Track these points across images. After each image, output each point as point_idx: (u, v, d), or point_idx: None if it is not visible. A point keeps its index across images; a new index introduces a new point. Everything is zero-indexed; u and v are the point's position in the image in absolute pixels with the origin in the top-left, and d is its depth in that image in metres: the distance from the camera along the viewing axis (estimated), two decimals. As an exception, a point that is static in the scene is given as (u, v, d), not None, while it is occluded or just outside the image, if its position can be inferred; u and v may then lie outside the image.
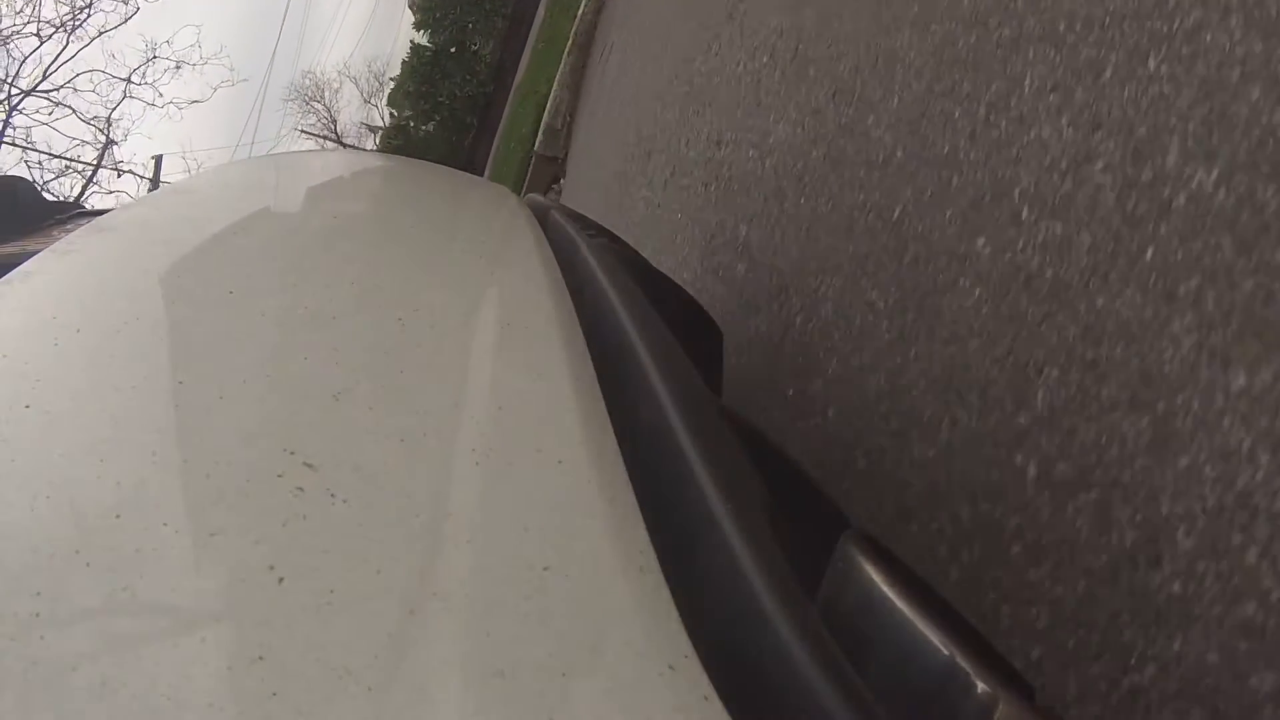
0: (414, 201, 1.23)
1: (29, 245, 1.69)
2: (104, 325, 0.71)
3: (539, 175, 6.63)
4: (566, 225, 1.16)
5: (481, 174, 9.92)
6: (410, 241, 1.01)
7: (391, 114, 12.18)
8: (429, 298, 0.82)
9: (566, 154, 6.17)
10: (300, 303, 0.76)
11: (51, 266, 0.83)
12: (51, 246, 0.88)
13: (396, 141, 11.49)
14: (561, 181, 6.16)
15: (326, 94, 26.22)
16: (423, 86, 10.75)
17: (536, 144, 6.59)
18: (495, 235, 1.12)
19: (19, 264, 0.84)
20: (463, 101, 10.74)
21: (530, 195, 1.65)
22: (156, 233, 0.90)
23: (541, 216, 1.24)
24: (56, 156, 16.06)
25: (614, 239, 1.32)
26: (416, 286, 0.84)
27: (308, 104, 25.82)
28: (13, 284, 0.79)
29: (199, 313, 0.74)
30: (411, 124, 11.36)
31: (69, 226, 1.89)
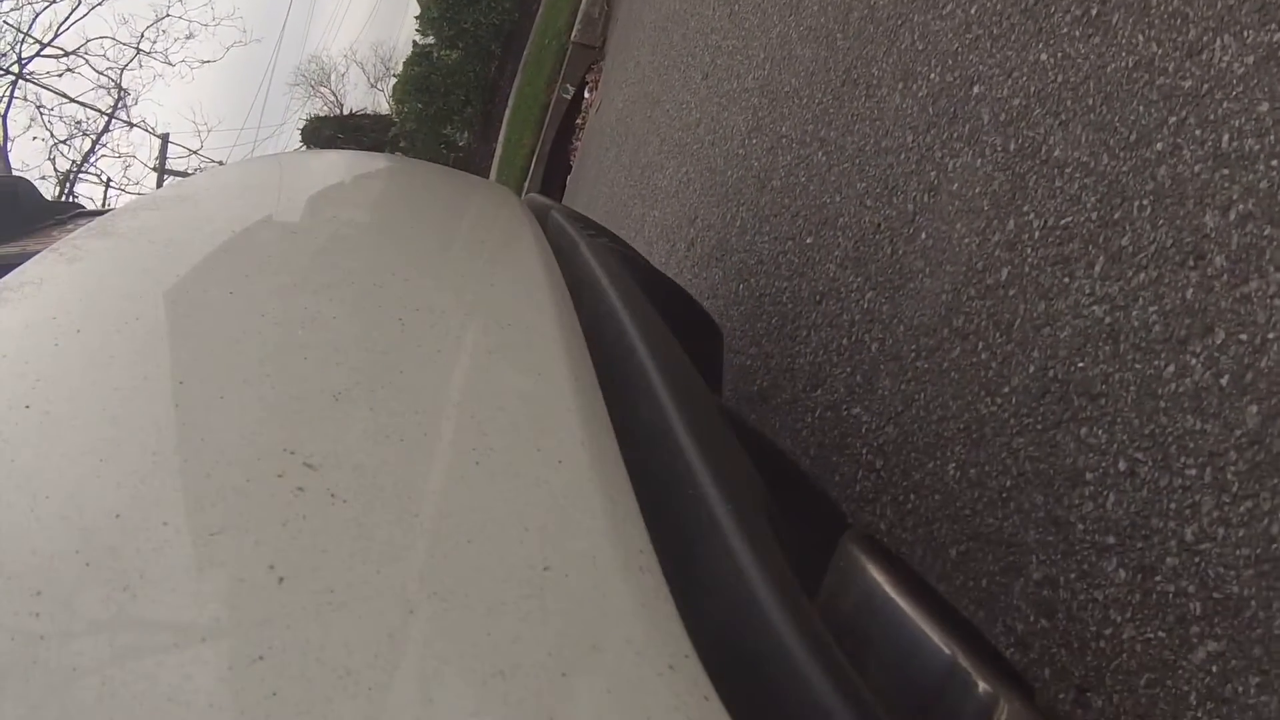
0: (414, 202, 1.23)
1: (29, 245, 1.69)
2: (104, 325, 0.71)
3: (576, 63, 6.84)
4: (566, 225, 1.16)
5: (508, 93, 9.84)
6: (410, 241, 1.01)
7: (414, 41, 11.92)
8: (429, 298, 0.82)
9: (605, 41, 6.41)
10: (300, 303, 0.76)
11: (52, 267, 0.83)
12: (52, 247, 0.88)
13: (418, 69, 11.29)
14: (601, 64, 6.38)
15: (333, 78, 26.24)
16: (447, 12, 10.60)
17: (574, 33, 6.70)
18: (495, 235, 1.12)
19: (19, 264, 0.84)
20: (487, 29, 10.58)
21: (530, 195, 1.65)
22: (157, 233, 0.90)
23: (541, 216, 1.24)
24: (72, 100, 16.23)
25: (614, 239, 1.32)
26: (416, 287, 0.84)
27: (314, 89, 25.86)
28: (13, 284, 0.79)
29: (199, 313, 0.74)
30: (435, 51, 11.16)
31: (69, 226, 1.89)
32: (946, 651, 0.58)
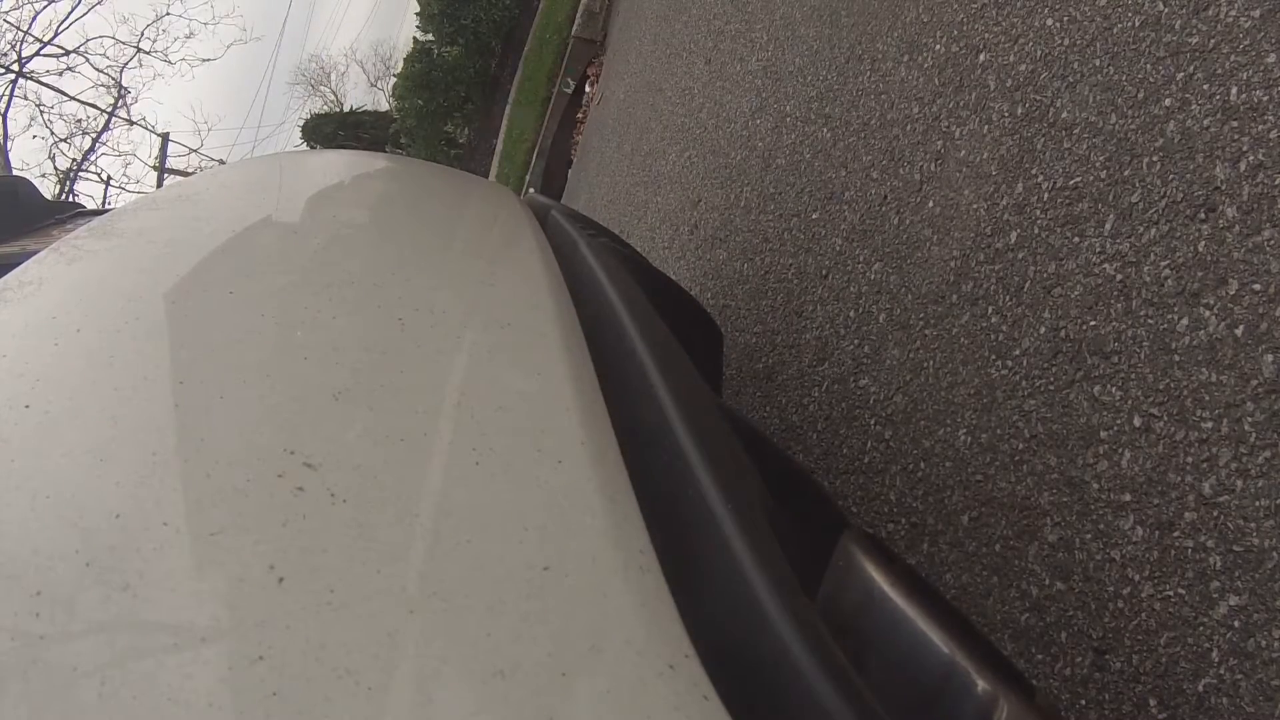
0: (414, 201, 1.23)
1: (29, 245, 1.69)
2: (104, 325, 0.71)
3: (577, 57, 6.94)
4: (566, 225, 1.16)
5: (509, 89, 9.86)
6: (410, 241, 1.01)
7: (414, 38, 11.92)
8: (429, 298, 0.82)
9: (605, 35, 6.55)
10: (300, 303, 0.76)
11: (52, 266, 0.83)
12: (52, 246, 0.88)
13: (419, 65, 11.27)
14: (602, 59, 6.51)
15: (333, 77, 26.39)
16: (447, 8, 10.56)
17: (574, 28, 6.78)
18: (495, 235, 1.12)
19: (19, 264, 0.84)
20: (488, 25, 10.54)
21: (530, 195, 1.65)
22: (157, 233, 0.90)
23: (541, 216, 1.24)
24: (72, 99, 16.41)
25: (614, 239, 1.32)
26: (417, 287, 0.84)
27: (314, 88, 26.02)
28: (13, 284, 0.80)
29: (199, 313, 0.74)
30: (435, 48, 11.14)
31: (69, 226, 1.89)
32: (946, 651, 0.58)
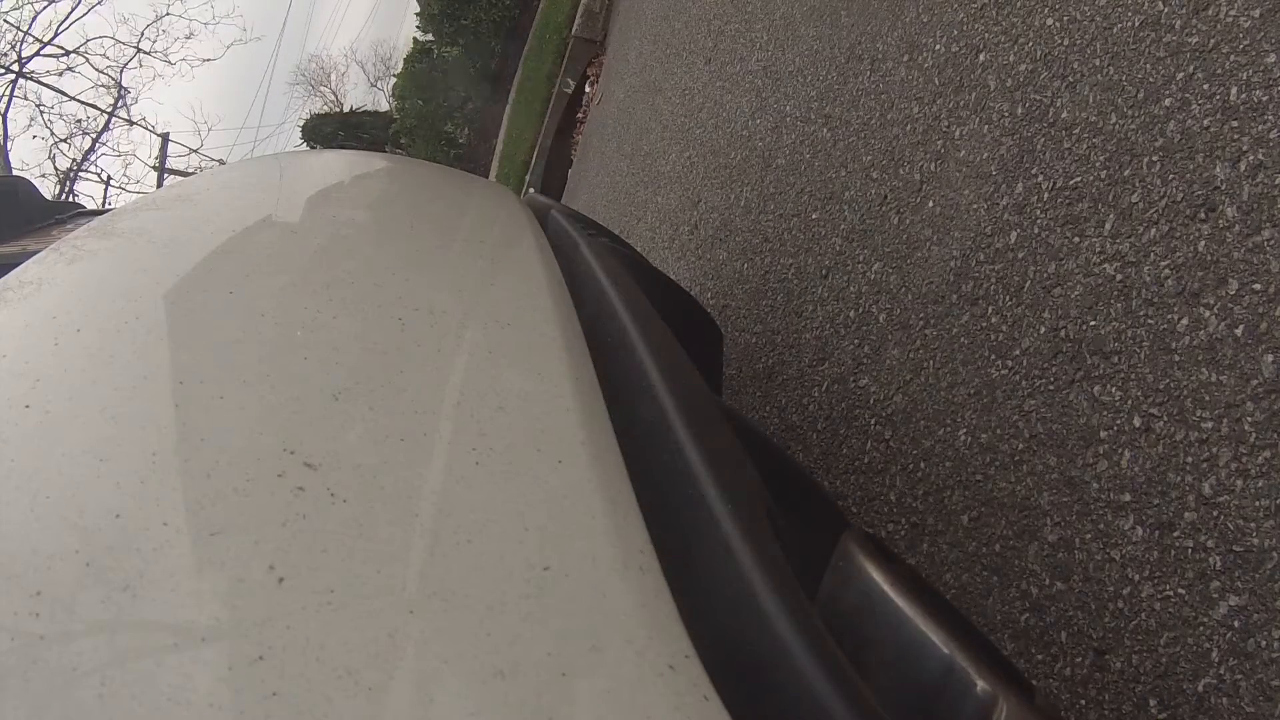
0: (414, 201, 1.23)
1: (29, 245, 1.69)
2: (104, 325, 0.71)
3: (577, 57, 7.00)
4: (566, 225, 1.16)
5: (509, 90, 9.87)
6: (410, 241, 1.01)
7: (415, 38, 11.94)
8: (429, 298, 0.82)
9: (605, 34, 6.61)
10: (300, 303, 0.76)
11: (52, 266, 0.83)
12: (52, 246, 0.88)
13: (420, 65, 11.30)
14: (601, 58, 6.57)
15: (333, 77, 26.45)
16: (447, 9, 10.57)
17: (574, 28, 6.82)
18: (495, 235, 1.11)
19: (19, 264, 0.84)
20: (488, 25, 10.55)
21: (530, 195, 1.65)
22: (157, 233, 0.90)
23: (541, 216, 1.24)
24: (72, 99, 16.48)
25: (614, 239, 1.32)
26: (416, 286, 0.84)
27: (314, 88, 26.09)
28: (13, 284, 0.80)
29: (199, 313, 0.74)
30: (435, 48, 11.16)
31: (69, 226, 1.90)
32: (946, 651, 0.58)
